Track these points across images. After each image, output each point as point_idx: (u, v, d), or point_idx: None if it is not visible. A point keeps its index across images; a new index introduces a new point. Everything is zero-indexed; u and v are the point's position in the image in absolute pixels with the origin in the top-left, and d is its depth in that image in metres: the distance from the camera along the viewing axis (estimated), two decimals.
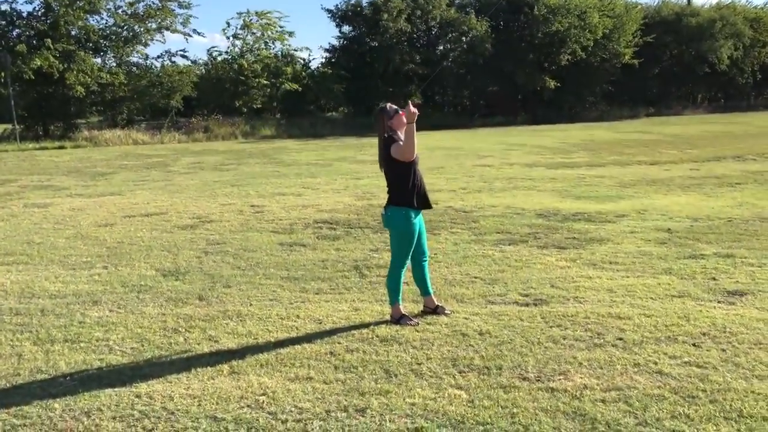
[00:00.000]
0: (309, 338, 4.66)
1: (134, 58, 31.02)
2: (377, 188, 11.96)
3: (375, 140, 5.25)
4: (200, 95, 32.64)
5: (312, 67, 35.55)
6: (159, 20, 29.96)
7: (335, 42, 36.61)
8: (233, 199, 11.44)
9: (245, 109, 32.50)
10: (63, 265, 6.96)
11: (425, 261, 5.22)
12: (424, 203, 5.00)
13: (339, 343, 4.54)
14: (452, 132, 29.86)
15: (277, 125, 31.58)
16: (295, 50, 34.95)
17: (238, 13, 33.34)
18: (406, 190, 4.89)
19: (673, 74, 43.02)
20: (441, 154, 18.98)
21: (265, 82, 32.09)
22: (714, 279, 5.85)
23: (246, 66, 31.91)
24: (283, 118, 33.63)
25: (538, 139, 24.03)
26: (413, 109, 4.68)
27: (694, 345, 4.32)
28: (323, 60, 36.84)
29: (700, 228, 8.08)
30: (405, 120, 4.74)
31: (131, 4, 29.85)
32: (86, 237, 8.43)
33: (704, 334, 4.50)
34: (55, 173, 16.66)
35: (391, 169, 4.93)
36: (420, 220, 5.09)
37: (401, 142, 4.82)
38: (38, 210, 10.77)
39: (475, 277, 6.12)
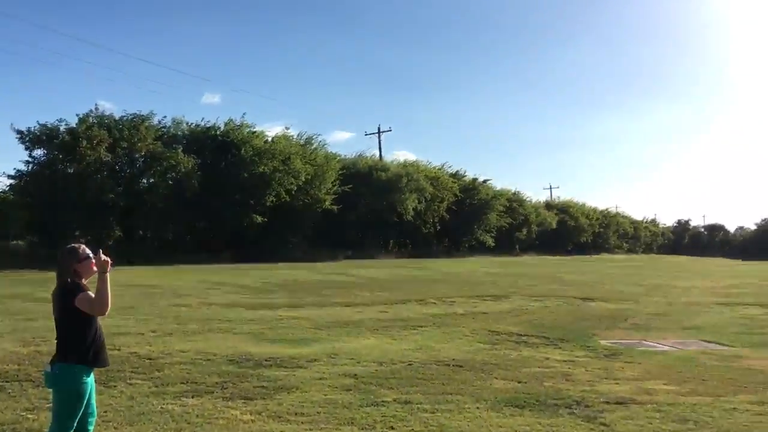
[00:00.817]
0: None
1: None
2: (52, 332, 10.57)
3: None
4: None
5: None
6: None
7: (23, 166, 33.49)
8: None
9: None
10: None
11: (91, 423, 4.52)
12: (102, 361, 4.41)
13: None
14: (153, 268, 28.39)
15: None
16: None
17: None
18: (83, 345, 4.29)
19: (368, 221, 46.94)
20: (135, 293, 17.75)
21: None
22: (392, 428, 5.94)
23: None
24: None
25: (241, 278, 23.90)
26: (104, 258, 4.19)
27: None
28: (7, 186, 33.26)
29: (383, 372, 8.36)
30: (95, 269, 4.23)
31: None
32: None
33: None
34: None
35: (68, 319, 4.30)
36: (92, 378, 4.44)
37: (91, 293, 4.25)
38: None
39: None
